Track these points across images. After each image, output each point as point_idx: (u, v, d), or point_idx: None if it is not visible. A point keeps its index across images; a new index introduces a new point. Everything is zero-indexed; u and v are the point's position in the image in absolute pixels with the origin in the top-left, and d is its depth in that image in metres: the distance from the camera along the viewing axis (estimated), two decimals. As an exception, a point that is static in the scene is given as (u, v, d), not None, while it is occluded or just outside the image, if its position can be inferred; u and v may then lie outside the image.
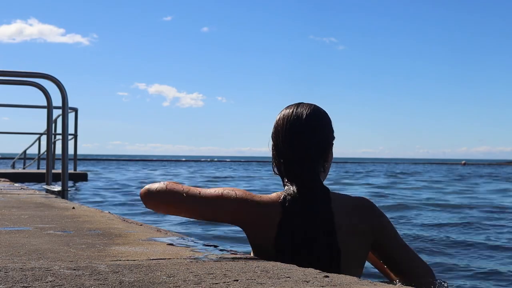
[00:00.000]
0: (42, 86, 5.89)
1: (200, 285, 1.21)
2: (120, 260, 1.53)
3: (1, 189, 5.12)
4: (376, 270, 1.98)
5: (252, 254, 1.78)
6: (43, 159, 11.12)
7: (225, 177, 22.25)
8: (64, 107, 5.47)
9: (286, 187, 1.76)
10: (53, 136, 7.60)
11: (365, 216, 1.75)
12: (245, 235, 1.79)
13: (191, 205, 1.75)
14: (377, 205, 1.82)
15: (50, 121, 5.92)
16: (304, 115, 1.76)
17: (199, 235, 5.57)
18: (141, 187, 1.90)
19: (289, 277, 1.31)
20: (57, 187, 5.31)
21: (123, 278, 1.26)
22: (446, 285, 1.76)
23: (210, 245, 1.88)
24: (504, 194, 13.22)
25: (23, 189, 5.39)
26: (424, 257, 2.80)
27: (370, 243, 1.76)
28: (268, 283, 1.23)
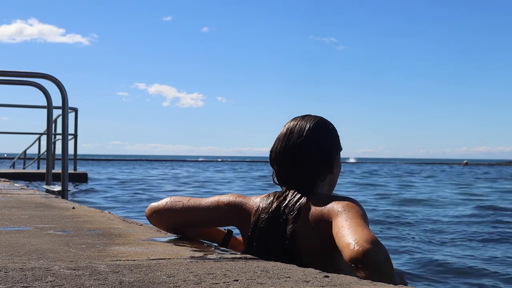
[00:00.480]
0: (42, 86, 5.89)
1: (200, 285, 1.21)
2: (120, 260, 1.53)
3: (1, 189, 5.12)
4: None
5: None
6: (43, 159, 11.13)
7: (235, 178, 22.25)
8: (64, 107, 5.47)
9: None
10: (53, 136, 7.60)
11: (330, 214, 1.69)
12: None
13: (190, 219, 1.92)
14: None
15: (50, 121, 5.92)
16: (306, 129, 1.85)
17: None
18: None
19: (289, 277, 1.31)
20: (57, 187, 5.31)
21: (123, 278, 1.26)
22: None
23: (210, 245, 1.88)
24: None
25: (23, 189, 5.39)
26: None
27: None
28: (268, 283, 1.24)
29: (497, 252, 5.31)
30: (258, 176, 24.25)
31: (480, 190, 15.50)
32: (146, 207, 2.02)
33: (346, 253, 1.47)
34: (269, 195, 1.85)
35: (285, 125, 1.90)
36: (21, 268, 1.36)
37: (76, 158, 11.50)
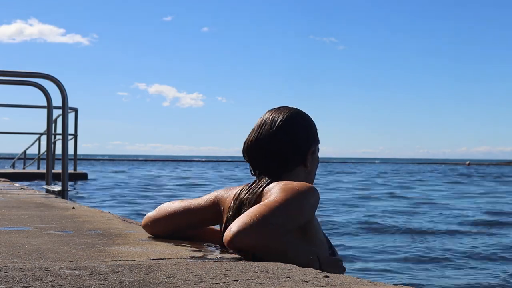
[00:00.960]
0: (42, 86, 5.89)
1: (200, 285, 1.21)
2: (120, 260, 1.53)
3: (1, 189, 5.12)
4: (376, 270, 1.99)
5: None
6: (43, 159, 11.12)
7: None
8: (64, 107, 5.47)
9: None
10: (53, 136, 7.60)
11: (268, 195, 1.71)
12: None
13: (182, 223, 1.93)
14: None
15: (50, 121, 5.92)
16: (278, 121, 1.84)
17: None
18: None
19: (289, 277, 1.31)
20: (57, 187, 5.32)
21: (123, 278, 1.26)
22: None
23: (210, 245, 1.88)
24: None
25: (23, 189, 5.39)
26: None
27: None
28: (268, 283, 1.24)
29: None
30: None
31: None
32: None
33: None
34: (246, 185, 1.85)
35: (260, 119, 1.89)
36: (21, 268, 1.36)
37: (76, 158, 11.51)
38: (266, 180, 1.79)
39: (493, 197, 13.87)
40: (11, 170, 12.54)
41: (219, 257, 1.62)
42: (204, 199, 1.91)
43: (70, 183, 6.02)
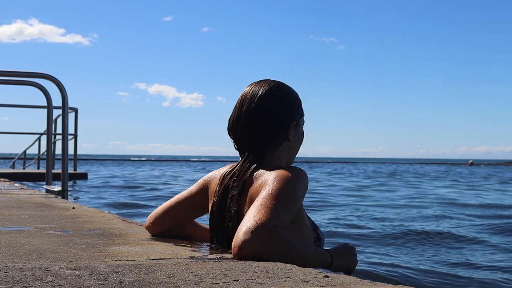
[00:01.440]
0: (42, 86, 5.89)
1: (200, 285, 1.21)
2: (120, 260, 1.53)
3: (1, 189, 5.12)
4: (375, 270, 1.97)
5: None
6: (43, 159, 11.13)
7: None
8: (64, 107, 5.47)
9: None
10: (53, 136, 7.60)
11: (262, 186, 1.68)
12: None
13: (179, 217, 1.94)
14: None
15: (50, 121, 5.92)
16: (258, 95, 1.78)
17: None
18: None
19: (289, 277, 1.31)
20: (57, 187, 5.32)
21: (123, 278, 1.26)
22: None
23: (210, 245, 1.88)
24: None
25: (23, 189, 5.39)
26: None
27: None
28: (268, 283, 1.23)
29: None
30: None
31: None
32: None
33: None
34: (230, 166, 1.82)
35: (241, 93, 1.84)
36: (21, 268, 1.36)
37: (76, 158, 11.49)
38: (251, 162, 1.76)
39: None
40: (11, 170, 12.53)
41: (219, 257, 1.62)
42: (194, 185, 1.91)
43: (70, 183, 6.01)
